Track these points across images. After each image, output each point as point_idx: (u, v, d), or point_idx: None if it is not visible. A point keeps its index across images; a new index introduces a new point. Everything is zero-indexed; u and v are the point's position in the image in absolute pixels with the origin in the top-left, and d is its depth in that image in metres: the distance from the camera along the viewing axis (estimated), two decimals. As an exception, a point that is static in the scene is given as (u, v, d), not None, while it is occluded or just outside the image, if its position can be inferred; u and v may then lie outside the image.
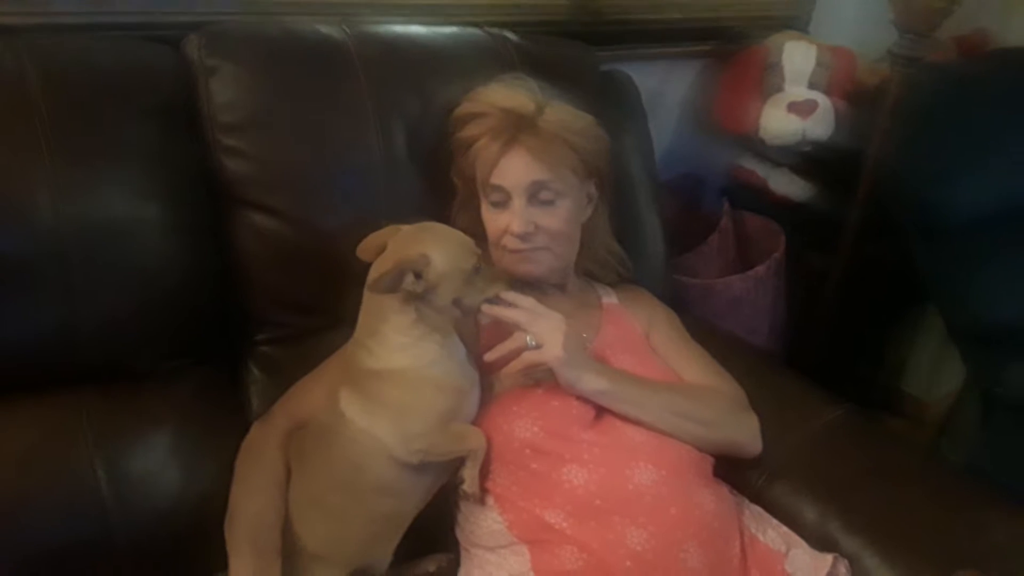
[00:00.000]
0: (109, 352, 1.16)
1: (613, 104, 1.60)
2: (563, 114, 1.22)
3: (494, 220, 1.20)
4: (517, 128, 1.18)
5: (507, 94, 1.23)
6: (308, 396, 1.16)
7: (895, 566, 1.11)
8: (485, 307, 1.09)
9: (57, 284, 1.09)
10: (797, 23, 2.16)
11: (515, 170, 1.17)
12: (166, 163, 1.18)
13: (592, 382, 1.12)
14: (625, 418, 1.14)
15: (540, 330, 1.09)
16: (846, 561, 1.12)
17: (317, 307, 1.27)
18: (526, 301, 1.11)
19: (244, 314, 1.29)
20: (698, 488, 1.12)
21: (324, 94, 1.25)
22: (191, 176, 1.22)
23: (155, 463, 1.16)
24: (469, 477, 1.08)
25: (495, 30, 1.48)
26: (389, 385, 1.05)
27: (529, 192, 1.17)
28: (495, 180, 1.18)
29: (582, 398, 1.13)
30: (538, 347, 1.08)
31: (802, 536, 1.17)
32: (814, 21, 2.20)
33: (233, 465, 1.13)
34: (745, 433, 1.23)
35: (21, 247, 1.07)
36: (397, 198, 1.26)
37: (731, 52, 2.04)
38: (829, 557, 1.12)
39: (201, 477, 1.16)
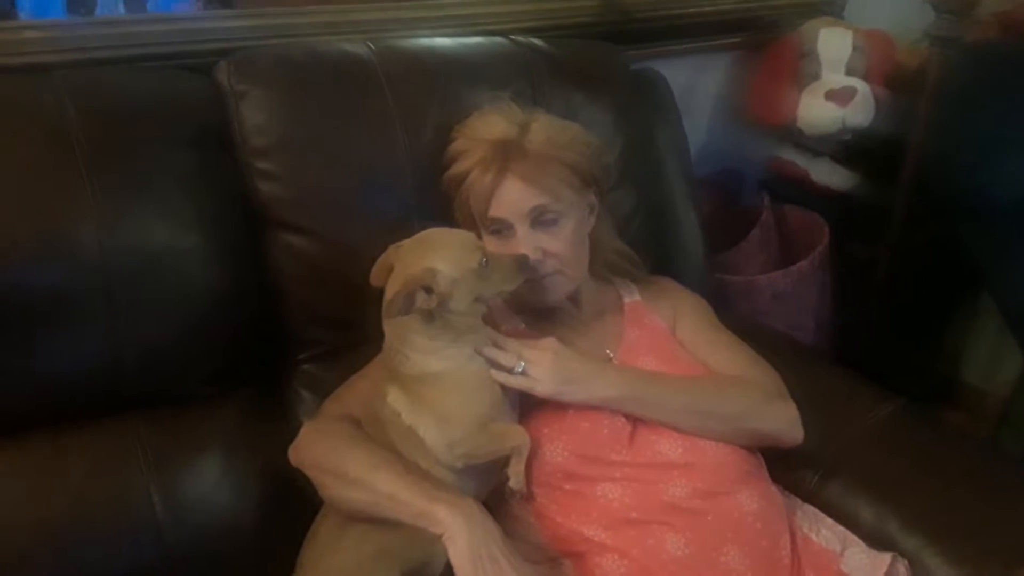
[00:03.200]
0: (155, 379, 1.18)
1: (645, 103, 1.60)
2: (549, 130, 1.18)
3: (500, 251, 1.15)
4: (505, 156, 1.13)
5: (485, 125, 1.20)
6: (357, 394, 1.16)
7: (956, 564, 1.09)
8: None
9: (102, 315, 1.11)
10: (831, 8, 2.12)
11: (512, 199, 1.13)
12: (204, 189, 1.20)
13: (600, 392, 1.11)
14: (654, 429, 1.13)
15: (528, 365, 1.08)
16: (905, 560, 1.10)
17: (356, 322, 1.25)
18: (508, 344, 1.10)
19: (284, 334, 1.30)
20: (738, 492, 1.10)
21: (351, 112, 1.26)
22: (228, 201, 1.23)
23: (208, 485, 1.18)
24: (514, 474, 1.06)
25: (521, 38, 1.47)
26: (430, 389, 1.05)
27: (531, 218, 1.14)
28: (493, 212, 1.14)
29: (613, 416, 1.12)
30: (525, 375, 1.07)
31: (859, 535, 1.14)
32: (849, 5, 2.16)
33: (279, 484, 1.14)
34: (777, 423, 1.18)
35: (67, 280, 1.09)
36: (426, 211, 1.26)
37: (764, 42, 2.01)
38: (887, 556, 1.10)
39: (253, 497, 1.19)
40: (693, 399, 1.15)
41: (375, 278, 1.08)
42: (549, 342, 1.10)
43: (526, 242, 1.13)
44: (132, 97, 1.20)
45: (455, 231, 1.10)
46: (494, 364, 1.08)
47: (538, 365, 1.08)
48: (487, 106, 1.24)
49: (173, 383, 1.21)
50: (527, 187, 1.13)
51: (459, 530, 0.97)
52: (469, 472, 1.06)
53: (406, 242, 1.08)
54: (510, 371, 1.08)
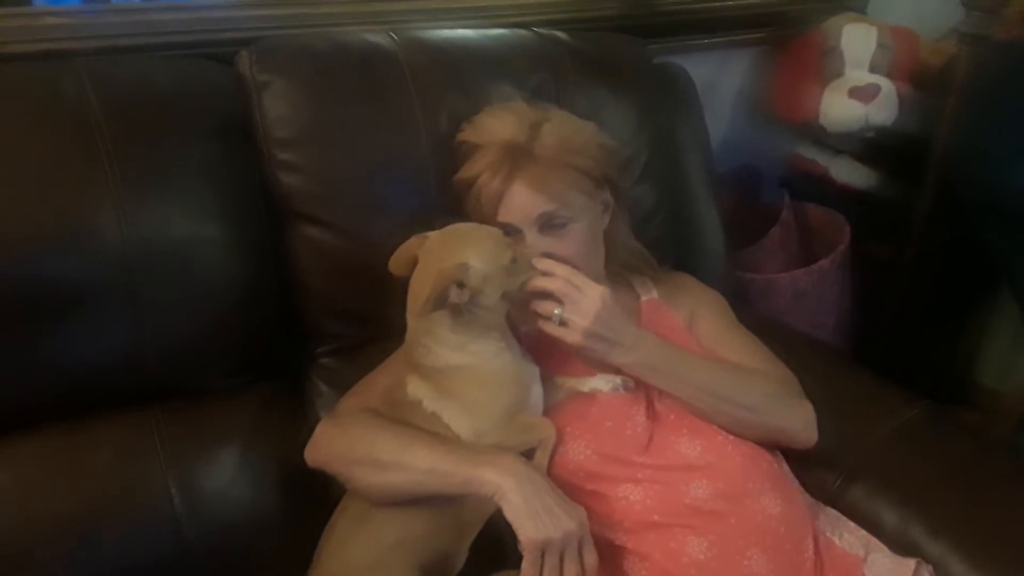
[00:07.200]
0: (176, 371, 1.18)
1: (667, 97, 1.58)
2: (562, 132, 1.16)
3: None
4: (514, 161, 1.12)
5: (495, 125, 1.18)
6: (375, 387, 1.15)
7: (982, 570, 1.07)
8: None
9: (124, 306, 1.10)
10: (855, 4, 2.10)
11: (520, 205, 1.12)
12: (226, 180, 1.19)
13: (621, 356, 1.09)
14: (673, 430, 1.11)
15: (570, 310, 1.05)
16: (930, 566, 1.09)
17: (376, 316, 1.26)
18: (562, 269, 1.06)
19: (304, 327, 1.29)
20: (761, 494, 1.09)
21: (374, 103, 1.25)
22: (249, 192, 1.23)
23: (226, 478, 1.17)
24: (537, 467, 1.05)
25: (545, 30, 1.46)
26: (453, 379, 1.05)
27: (539, 224, 1.12)
28: (502, 218, 1.13)
29: (635, 417, 1.11)
30: (563, 324, 1.05)
31: (883, 540, 1.13)
32: (873, 1, 2.13)
33: (298, 477, 1.12)
34: (794, 421, 1.18)
35: (89, 271, 1.08)
36: (448, 205, 1.24)
37: (787, 38, 1.98)
38: (911, 562, 1.08)
39: (271, 490, 1.19)
40: (711, 380, 1.14)
41: (395, 265, 1.08)
42: (599, 294, 1.06)
43: (534, 247, 1.12)
44: (154, 86, 1.19)
45: (485, 226, 1.09)
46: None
47: (581, 316, 1.04)
48: (497, 103, 1.23)
49: (193, 375, 1.20)
50: (535, 194, 1.11)
51: (511, 488, 0.95)
52: None
53: (432, 234, 1.07)
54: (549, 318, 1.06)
